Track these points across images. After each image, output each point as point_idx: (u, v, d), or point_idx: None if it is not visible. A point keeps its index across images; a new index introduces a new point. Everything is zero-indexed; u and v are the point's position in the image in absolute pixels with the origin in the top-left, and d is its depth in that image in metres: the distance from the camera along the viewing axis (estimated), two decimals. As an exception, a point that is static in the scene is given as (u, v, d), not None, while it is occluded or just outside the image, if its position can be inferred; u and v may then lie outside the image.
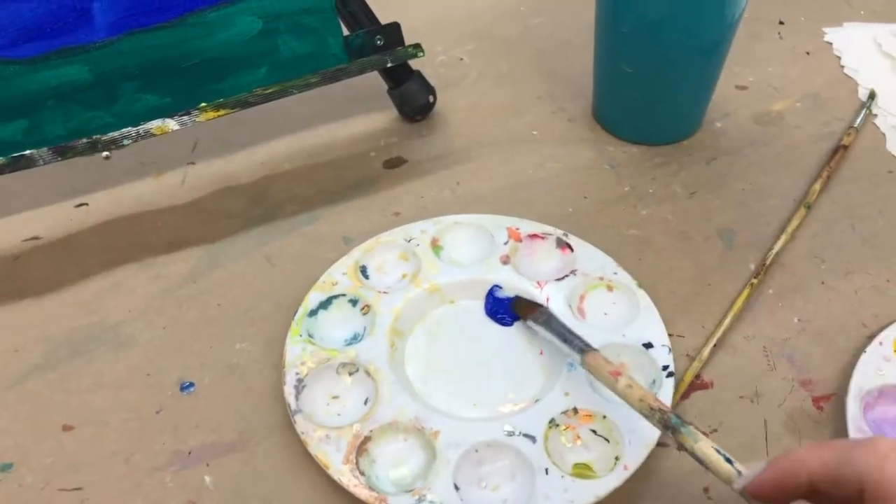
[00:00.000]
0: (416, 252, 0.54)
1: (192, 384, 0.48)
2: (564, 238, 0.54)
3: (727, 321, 0.50)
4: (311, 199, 0.59)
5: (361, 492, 0.41)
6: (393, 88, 0.64)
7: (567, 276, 0.52)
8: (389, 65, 0.59)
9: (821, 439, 0.45)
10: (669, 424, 0.38)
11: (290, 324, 0.49)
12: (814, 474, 0.30)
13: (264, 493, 0.43)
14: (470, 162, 0.62)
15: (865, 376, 0.46)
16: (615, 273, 0.52)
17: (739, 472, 0.34)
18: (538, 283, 0.51)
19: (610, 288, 0.51)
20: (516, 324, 0.50)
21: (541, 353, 0.49)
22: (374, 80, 0.64)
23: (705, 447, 0.36)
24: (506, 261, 0.53)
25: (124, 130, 0.54)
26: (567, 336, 0.46)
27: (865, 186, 0.59)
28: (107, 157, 0.57)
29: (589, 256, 0.53)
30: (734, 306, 0.51)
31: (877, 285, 0.52)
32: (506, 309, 0.51)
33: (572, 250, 0.53)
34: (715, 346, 0.49)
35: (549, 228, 0.55)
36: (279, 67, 0.57)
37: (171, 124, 0.54)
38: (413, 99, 0.64)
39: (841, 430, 0.44)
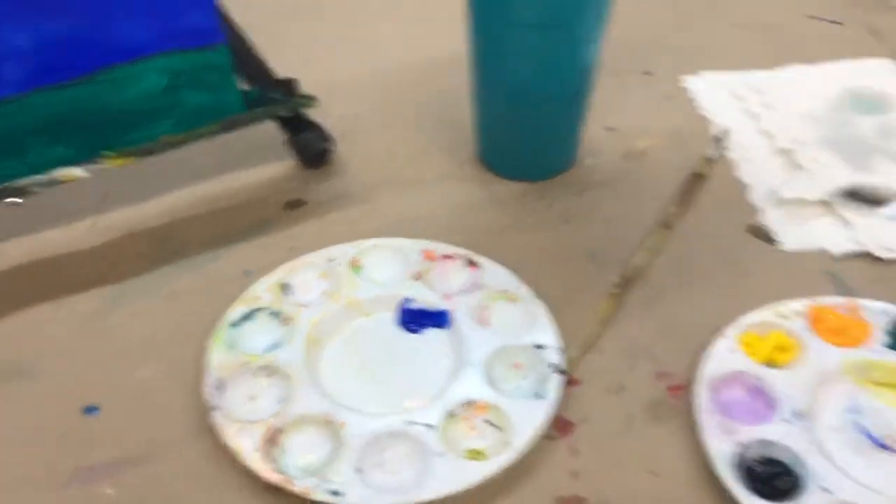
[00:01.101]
0: (337, 271, 0.59)
1: (96, 408, 0.51)
2: (473, 257, 0.60)
3: (594, 327, 0.55)
4: (215, 240, 0.64)
5: (271, 475, 0.46)
6: (292, 139, 0.69)
7: (472, 289, 0.58)
8: (283, 114, 0.65)
9: (676, 423, 0.50)
10: None
11: (203, 344, 0.54)
12: None
13: (170, 499, 0.46)
14: (366, 203, 0.67)
15: (713, 365, 0.52)
16: (517, 287, 0.58)
17: None
18: (446, 296, 0.57)
19: (512, 300, 0.57)
20: (424, 332, 0.56)
21: (445, 357, 0.54)
22: (276, 132, 0.69)
23: None
24: (418, 277, 0.59)
25: (33, 178, 0.57)
26: None
27: (717, 208, 0.66)
28: (16, 204, 0.61)
29: (495, 273, 0.59)
30: (600, 314, 0.56)
31: (725, 289, 0.59)
32: (415, 318, 0.56)
33: (479, 268, 0.59)
34: (584, 349, 0.54)
35: (460, 250, 0.61)
36: (183, 119, 0.62)
37: (78, 171, 0.59)
38: (310, 147, 0.69)
39: (692, 412, 0.49)
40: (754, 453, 0.47)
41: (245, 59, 0.66)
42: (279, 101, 0.65)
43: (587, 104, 0.67)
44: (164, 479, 0.48)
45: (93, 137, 0.60)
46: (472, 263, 0.59)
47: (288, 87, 0.66)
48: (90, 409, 0.51)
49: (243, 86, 0.65)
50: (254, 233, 0.64)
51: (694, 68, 0.84)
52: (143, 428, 0.50)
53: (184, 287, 0.60)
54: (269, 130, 0.69)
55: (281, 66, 0.68)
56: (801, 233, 0.64)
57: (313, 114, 0.70)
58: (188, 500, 0.47)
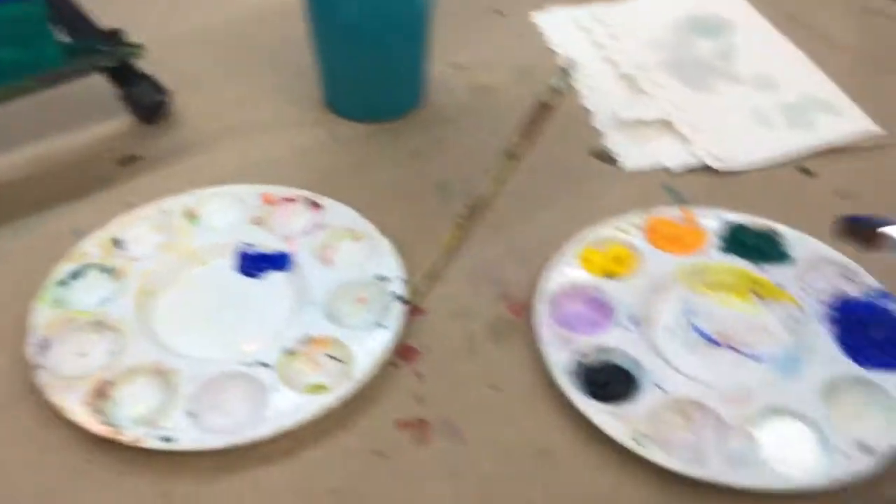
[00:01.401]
0: (171, 223, 0.57)
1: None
2: (315, 198, 0.59)
3: (439, 256, 0.55)
4: (45, 200, 0.60)
5: (98, 427, 0.44)
6: (123, 92, 0.66)
7: (314, 230, 0.56)
8: (107, 65, 0.61)
9: (519, 339, 0.51)
10: None
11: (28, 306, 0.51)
12: None
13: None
14: (207, 153, 0.65)
15: (552, 281, 0.52)
16: (360, 224, 0.57)
17: None
18: (287, 238, 0.56)
19: (356, 237, 0.56)
20: (264, 276, 0.54)
21: (286, 299, 0.53)
22: (110, 87, 0.66)
23: None
24: (257, 222, 0.57)
25: None
26: None
27: (562, 135, 0.66)
28: None
29: (338, 213, 0.58)
30: (445, 244, 0.56)
31: (569, 211, 0.60)
32: (254, 263, 0.55)
33: (322, 208, 0.58)
34: (429, 278, 0.54)
35: (301, 192, 0.59)
36: (-3, 76, 0.58)
37: None
38: (143, 100, 0.66)
39: (534, 328, 0.50)
40: (592, 360, 0.48)
41: (64, 11, 0.62)
42: (102, 53, 0.61)
43: (426, 42, 0.67)
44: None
45: None
46: (314, 204, 0.58)
47: (113, 37, 0.63)
48: None
49: (64, 39, 0.61)
50: (87, 191, 0.61)
51: (542, 3, 0.84)
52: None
53: (10, 249, 0.56)
54: (101, 86, 0.66)
55: (114, 19, 0.64)
56: (640, 152, 0.65)
57: (149, 66, 0.67)
58: (14, 464, 0.44)
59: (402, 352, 0.50)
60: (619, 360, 0.48)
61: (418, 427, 0.46)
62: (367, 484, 0.43)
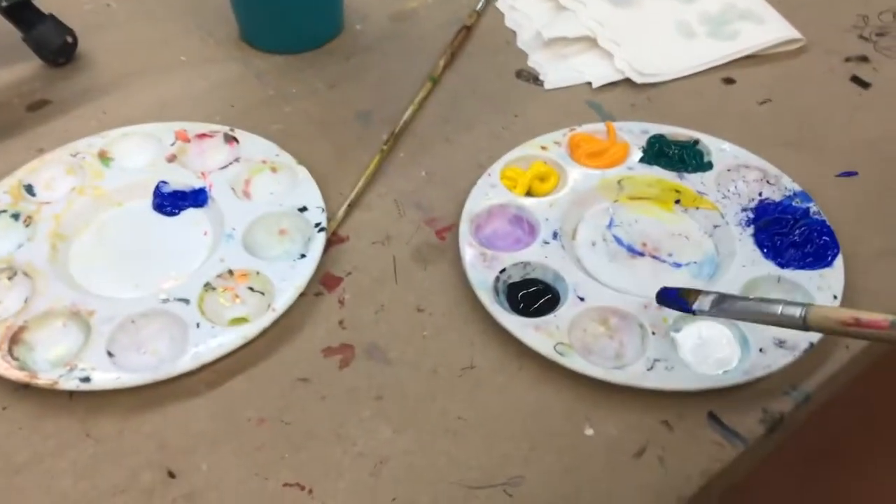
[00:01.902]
0: (83, 165, 0.55)
1: None
2: (231, 132, 0.57)
3: (360, 184, 0.54)
4: (-52, 151, 0.58)
5: (12, 373, 0.43)
6: (26, 35, 0.63)
7: (231, 163, 0.55)
8: (3, 4, 0.58)
9: (443, 261, 0.50)
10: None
11: None
12: None
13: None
14: (117, 93, 0.63)
15: (475, 202, 0.52)
16: (277, 155, 0.56)
17: None
18: (203, 174, 0.54)
19: (273, 169, 0.55)
20: (182, 213, 0.53)
21: (205, 234, 0.52)
22: (12, 30, 0.63)
23: None
24: (172, 159, 0.55)
25: None
26: (762, 307, 0.40)
27: (485, 57, 0.66)
28: None
29: (254, 145, 0.56)
30: (367, 171, 0.55)
31: (493, 132, 0.59)
32: (170, 201, 0.54)
33: (238, 142, 0.57)
34: (350, 206, 0.53)
35: (216, 126, 0.58)
36: None
37: None
38: (48, 41, 0.63)
39: (457, 250, 0.49)
40: (514, 276, 0.48)
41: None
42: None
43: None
44: None
45: None
46: (230, 139, 0.57)
47: (9, -25, 0.60)
48: None
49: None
50: (-6, 139, 0.59)
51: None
52: None
53: (-86, 205, 0.54)
54: (5, 30, 0.63)
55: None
56: (564, 70, 0.64)
57: (54, 7, 0.64)
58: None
59: (326, 281, 0.49)
60: (540, 275, 0.48)
61: (342, 352, 0.46)
62: (292, 410, 0.43)
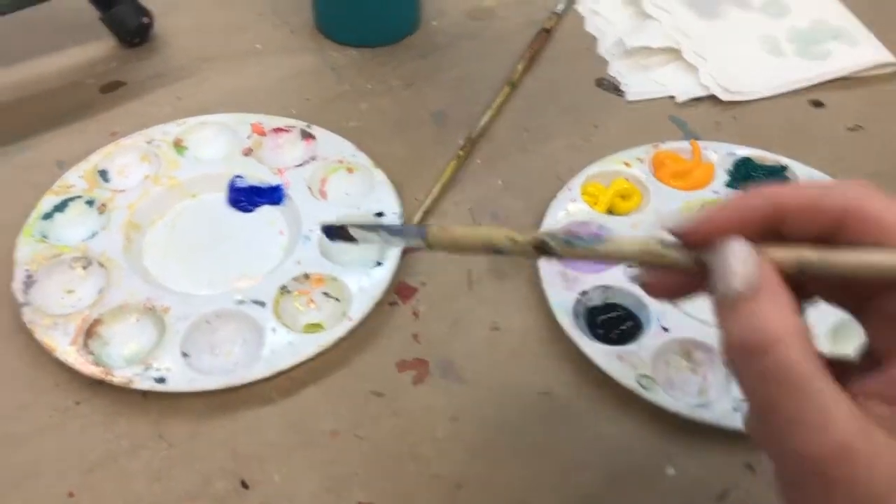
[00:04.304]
0: (158, 153, 0.54)
1: None
2: (308, 129, 0.56)
3: (436, 191, 0.53)
4: (24, 129, 0.57)
5: (88, 368, 0.42)
6: (104, 14, 0.62)
7: (307, 162, 0.54)
8: (85, -16, 0.58)
9: (520, 277, 0.49)
10: (550, 247, 0.30)
11: (12, 240, 0.48)
12: (784, 204, 0.26)
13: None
14: (191, 78, 0.62)
15: (554, 217, 0.51)
16: (354, 156, 0.54)
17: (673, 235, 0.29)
18: (279, 170, 0.53)
19: (350, 170, 0.54)
20: (257, 209, 0.52)
21: (280, 233, 0.51)
22: (89, 9, 0.62)
23: (616, 241, 0.29)
24: (248, 153, 0.55)
25: None
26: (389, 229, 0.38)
27: (565, 63, 0.64)
28: None
29: (330, 143, 0.55)
30: (443, 177, 0.54)
31: (571, 143, 0.57)
32: (246, 196, 0.53)
33: (315, 139, 0.56)
34: (426, 213, 0.52)
35: (293, 122, 0.56)
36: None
37: None
38: (125, 21, 0.62)
39: (535, 267, 0.48)
40: (595, 300, 0.47)
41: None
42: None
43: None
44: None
45: None
46: (306, 135, 0.56)
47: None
48: None
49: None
50: (68, 120, 0.58)
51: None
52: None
53: (-8, 180, 0.54)
54: (81, 8, 0.62)
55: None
56: (646, 81, 0.62)
57: (131, -14, 0.63)
58: (2, 405, 0.43)
59: (400, 290, 0.48)
60: (623, 301, 0.47)
61: (416, 367, 0.45)
62: (366, 424, 0.42)
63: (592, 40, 0.66)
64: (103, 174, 0.53)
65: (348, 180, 0.54)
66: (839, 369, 0.25)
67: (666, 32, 0.65)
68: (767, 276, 0.25)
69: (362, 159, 0.54)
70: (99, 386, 0.43)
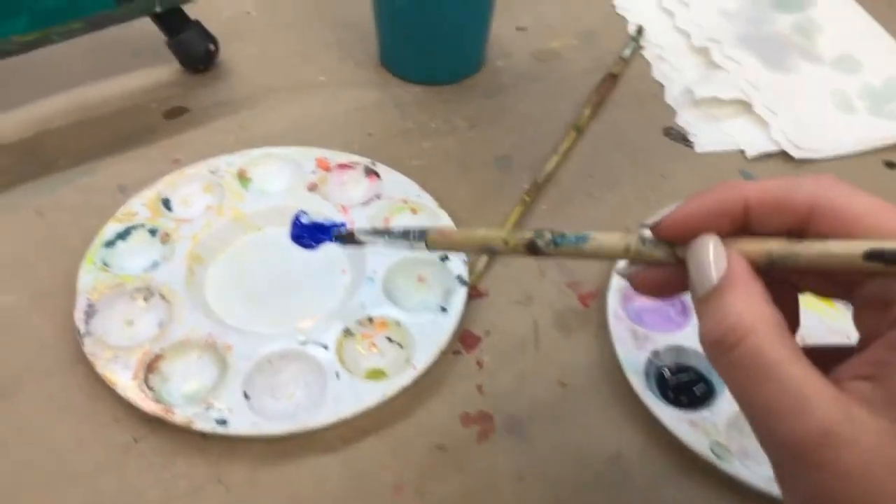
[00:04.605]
0: (222, 184, 0.54)
1: (-58, 341, 0.46)
2: (372, 166, 0.55)
3: (503, 236, 0.52)
4: (87, 152, 0.57)
5: (148, 405, 0.42)
6: (171, 39, 0.62)
7: (372, 199, 0.53)
8: (158, 10, 0.58)
9: (587, 331, 0.48)
10: (539, 247, 0.31)
11: (72, 266, 0.48)
12: (753, 199, 0.27)
13: (37, 435, 0.42)
14: (255, 108, 0.61)
15: (625, 270, 0.49)
16: (418, 196, 0.54)
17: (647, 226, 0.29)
18: (343, 207, 0.53)
19: (414, 210, 0.53)
20: (321, 246, 0.51)
21: (343, 272, 0.50)
22: (154, 33, 0.62)
23: (599, 239, 0.29)
24: (313, 188, 0.54)
25: None
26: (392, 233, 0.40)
27: (631, 109, 0.63)
28: None
29: (394, 182, 0.55)
30: (508, 221, 0.53)
31: (639, 193, 0.56)
32: (310, 233, 0.51)
33: (379, 177, 0.55)
34: (490, 258, 0.51)
35: (356, 158, 0.56)
36: (41, 16, 0.55)
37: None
38: (191, 48, 0.62)
39: (604, 321, 0.47)
40: (667, 361, 0.46)
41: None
42: (154, -4, 0.58)
43: (491, 2, 0.62)
44: (26, 415, 0.43)
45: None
46: (371, 172, 0.55)
47: (164, -21, 0.59)
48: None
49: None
50: (131, 144, 0.58)
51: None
52: (6, 360, 0.45)
53: (52, 204, 0.53)
54: (147, 32, 0.62)
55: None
56: (716, 133, 0.61)
57: (197, 13, 0.63)
58: (54, 438, 0.42)
59: (463, 338, 0.47)
60: (695, 363, 0.46)
61: (481, 422, 0.43)
62: (430, 480, 0.41)
63: (659, 87, 0.65)
64: (166, 203, 0.52)
65: (412, 221, 0.53)
66: (828, 357, 0.26)
67: (735, 83, 0.64)
68: (737, 268, 0.26)
69: (427, 200, 0.53)
70: (157, 423, 0.42)
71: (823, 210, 0.26)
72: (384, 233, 0.37)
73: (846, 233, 0.25)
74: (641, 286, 0.30)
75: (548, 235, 0.30)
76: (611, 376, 0.45)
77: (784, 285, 0.28)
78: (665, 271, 0.29)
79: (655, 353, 0.45)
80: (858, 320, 0.27)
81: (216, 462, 0.41)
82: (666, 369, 0.45)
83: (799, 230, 0.26)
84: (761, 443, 0.25)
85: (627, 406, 0.44)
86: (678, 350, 0.46)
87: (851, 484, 0.23)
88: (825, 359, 0.25)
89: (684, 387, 0.45)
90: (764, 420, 0.24)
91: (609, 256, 0.30)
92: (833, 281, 0.28)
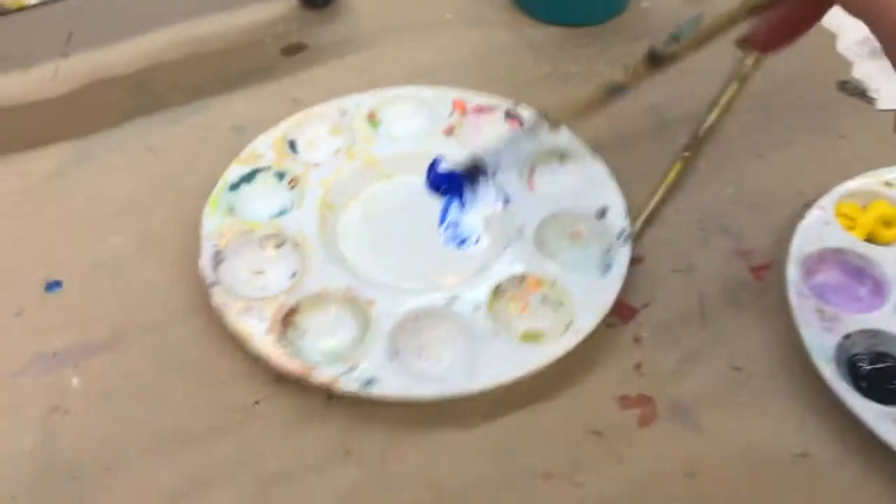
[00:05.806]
0: (352, 126, 0.49)
1: (58, 283, 0.42)
2: (514, 109, 0.50)
3: (658, 196, 0.46)
4: (200, 88, 0.53)
5: (287, 362, 0.38)
6: (291, -29, 0.58)
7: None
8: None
9: (761, 308, 0.42)
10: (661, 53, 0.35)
11: (185, 209, 0.45)
12: None
13: (146, 390, 0.38)
14: (377, 48, 0.57)
15: (806, 242, 0.43)
16: (570, 144, 0.48)
17: None
18: (484, 155, 0.48)
19: (563, 158, 0.48)
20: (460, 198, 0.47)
21: (487, 226, 0.45)
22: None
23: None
24: (449, 132, 0.49)
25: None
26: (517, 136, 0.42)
27: (799, 60, 0.55)
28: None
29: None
30: (665, 180, 0.47)
31: (813, 154, 0.49)
32: (449, 182, 0.47)
33: (521, 123, 0.49)
34: (646, 220, 0.45)
35: (498, 100, 0.51)
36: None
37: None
38: (311, -20, 0.58)
39: (781, 297, 0.41)
40: (859, 345, 0.39)
41: None
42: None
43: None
44: (135, 368, 0.39)
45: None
46: (511, 116, 0.49)
47: None
48: (51, 286, 0.43)
49: None
50: (247, 81, 0.54)
51: None
52: (115, 307, 0.42)
53: (163, 142, 0.50)
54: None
55: None
56: (902, 88, 0.53)
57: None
58: (164, 395, 0.38)
59: (619, 309, 0.41)
60: (891, 349, 0.39)
61: (641, 405, 0.38)
62: (585, 469, 0.36)
63: (831, 36, 0.57)
64: (292, 144, 0.48)
65: (561, 171, 0.47)
66: None
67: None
68: None
69: (578, 148, 0.47)
70: (278, 383, 0.38)
71: None
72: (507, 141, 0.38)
73: None
74: (766, 37, 0.34)
75: (664, 39, 0.32)
76: (794, 362, 0.39)
77: None
78: (791, 9, 0.31)
79: (846, 337, 0.39)
80: None
81: (343, 431, 0.37)
82: (862, 357, 0.39)
83: None
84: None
85: (814, 397, 0.38)
86: (874, 334, 0.39)
87: None
88: None
89: (881, 377, 0.38)
90: None
91: (734, 18, 0.31)
92: None
